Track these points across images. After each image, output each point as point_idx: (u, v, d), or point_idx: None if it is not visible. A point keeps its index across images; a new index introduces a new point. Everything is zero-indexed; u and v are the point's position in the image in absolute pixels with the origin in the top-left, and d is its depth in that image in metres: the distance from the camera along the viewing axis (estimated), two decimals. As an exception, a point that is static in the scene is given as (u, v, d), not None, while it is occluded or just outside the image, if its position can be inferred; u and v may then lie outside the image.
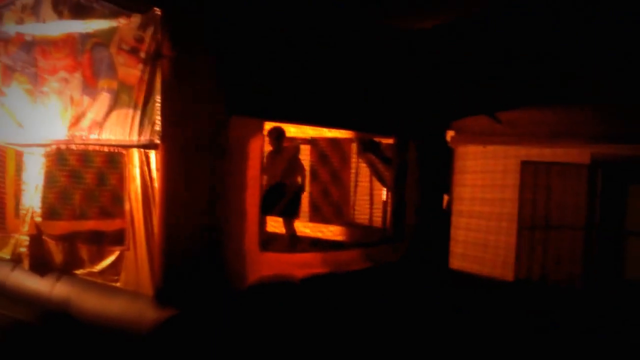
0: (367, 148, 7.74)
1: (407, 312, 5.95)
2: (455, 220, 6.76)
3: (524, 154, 6.39)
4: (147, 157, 4.99)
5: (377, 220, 8.08)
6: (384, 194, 7.90)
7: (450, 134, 6.83)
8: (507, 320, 5.88)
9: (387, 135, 7.14)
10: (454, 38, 6.55)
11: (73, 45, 5.41)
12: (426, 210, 6.92)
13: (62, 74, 5.50)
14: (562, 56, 6.33)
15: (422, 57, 6.66)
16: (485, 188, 6.49)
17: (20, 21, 5.91)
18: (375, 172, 7.86)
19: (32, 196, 5.80)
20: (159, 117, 4.82)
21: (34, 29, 5.77)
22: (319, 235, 7.72)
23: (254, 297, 5.26)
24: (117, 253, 5.24)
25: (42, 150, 5.77)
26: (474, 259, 6.52)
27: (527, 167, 6.23)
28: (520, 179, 6.32)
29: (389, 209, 7.34)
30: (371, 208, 8.23)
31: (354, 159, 8.24)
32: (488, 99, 6.44)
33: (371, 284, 6.18)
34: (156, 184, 4.92)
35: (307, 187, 8.05)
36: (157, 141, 4.84)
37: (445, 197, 7.09)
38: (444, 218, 6.95)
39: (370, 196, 8.26)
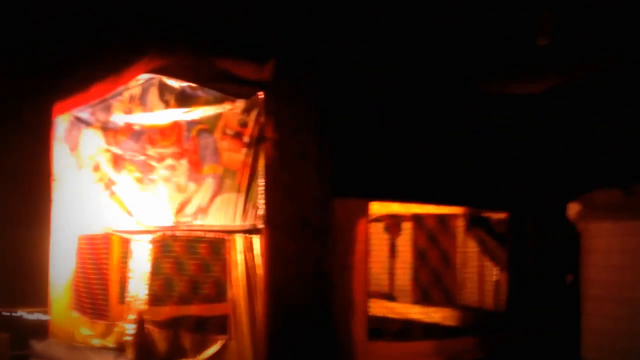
0: (476, 224, 7.31)
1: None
2: (587, 306, 6.08)
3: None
4: (251, 243, 4.89)
5: (489, 301, 7.53)
6: (495, 273, 7.38)
7: (574, 208, 6.26)
8: None
9: (499, 209, 6.72)
10: (569, 102, 6.15)
11: (179, 132, 5.49)
12: (547, 293, 6.38)
13: (169, 161, 5.57)
14: None
15: (534, 124, 6.27)
16: (622, 269, 5.80)
17: (129, 111, 6.10)
18: (486, 250, 7.38)
19: (138, 283, 5.80)
20: (262, 201, 4.74)
21: (141, 119, 5.92)
22: (425, 319, 7.27)
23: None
24: (220, 342, 5.08)
25: (149, 237, 5.80)
26: (616, 351, 5.75)
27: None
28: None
29: (502, 290, 6.83)
30: (481, 289, 7.70)
31: (461, 235, 7.81)
32: (619, 169, 5.87)
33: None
34: (259, 270, 4.79)
35: (412, 267, 7.67)
36: (260, 225, 4.74)
37: (569, 277, 6.49)
38: (569, 302, 6.33)
39: (480, 275, 7.74)
